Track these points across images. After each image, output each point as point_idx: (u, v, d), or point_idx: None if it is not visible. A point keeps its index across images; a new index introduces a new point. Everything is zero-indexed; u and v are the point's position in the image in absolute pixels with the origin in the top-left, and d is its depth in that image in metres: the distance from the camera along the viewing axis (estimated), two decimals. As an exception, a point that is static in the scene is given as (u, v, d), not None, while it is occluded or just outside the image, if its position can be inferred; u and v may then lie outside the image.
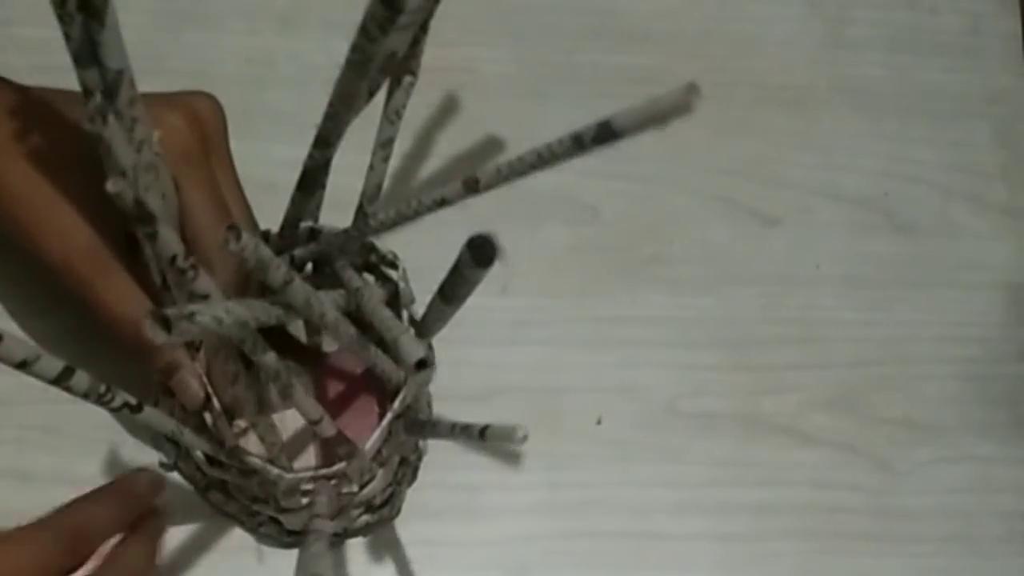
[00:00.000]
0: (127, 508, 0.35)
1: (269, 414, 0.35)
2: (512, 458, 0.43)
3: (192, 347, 0.34)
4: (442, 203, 0.28)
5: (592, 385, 0.45)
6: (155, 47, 0.46)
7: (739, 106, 0.50)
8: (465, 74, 0.48)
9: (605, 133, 0.23)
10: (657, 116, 0.22)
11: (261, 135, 0.45)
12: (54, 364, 0.26)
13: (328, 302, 0.28)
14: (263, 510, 0.37)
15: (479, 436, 0.29)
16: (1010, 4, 0.54)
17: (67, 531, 0.33)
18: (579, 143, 0.24)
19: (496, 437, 0.28)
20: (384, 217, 0.31)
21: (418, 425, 0.35)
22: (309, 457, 0.37)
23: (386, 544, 0.41)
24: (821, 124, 0.50)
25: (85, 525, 0.33)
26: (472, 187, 0.27)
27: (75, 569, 0.33)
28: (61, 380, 0.27)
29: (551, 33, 0.50)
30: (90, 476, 0.40)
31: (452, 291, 0.26)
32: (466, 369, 0.43)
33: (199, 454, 0.36)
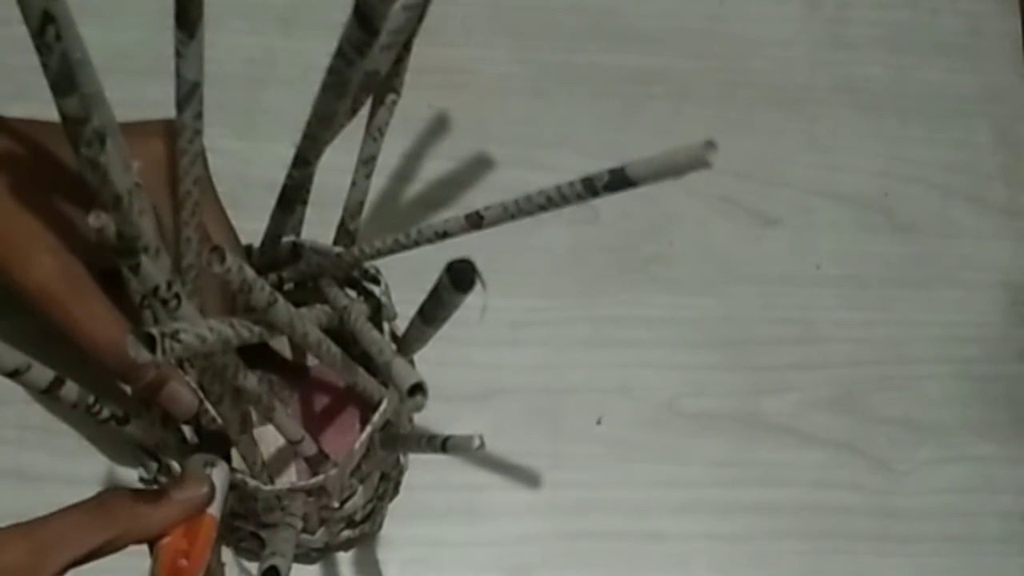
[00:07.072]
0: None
1: (251, 432, 0.35)
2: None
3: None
4: (443, 235, 0.28)
5: (592, 385, 0.45)
6: (155, 47, 0.46)
7: (739, 106, 0.50)
8: (465, 74, 0.48)
9: (618, 180, 0.23)
10: (672, 168, 0.22)
11: (261, 135, 0.45)
12: (45, 374, 0.26)
13: (312, 322, 0.28)
14: (244, 526, 0.37)
15: (441, 448, 0.29)
16: (1010, 4, 0.54)
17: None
18: (591, 188, 0.24)
19: (456, 447, 0.28)
20: (381, 245, 0.30)
21: (391, 440, 0.35)
22: (291, 474, 0.37)
23: (387, 544, 0.41)
24: (821, 124, 0.50)
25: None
26: (475, 223, 0.27)
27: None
28: (52, 390, 0.26)
29: (551, 33, 0.50)
30: (90, 476, 0.40)
31: (432, 313, 0.26)
32: (466, 369, 0.43)
33: (178, 468, 0.35)
